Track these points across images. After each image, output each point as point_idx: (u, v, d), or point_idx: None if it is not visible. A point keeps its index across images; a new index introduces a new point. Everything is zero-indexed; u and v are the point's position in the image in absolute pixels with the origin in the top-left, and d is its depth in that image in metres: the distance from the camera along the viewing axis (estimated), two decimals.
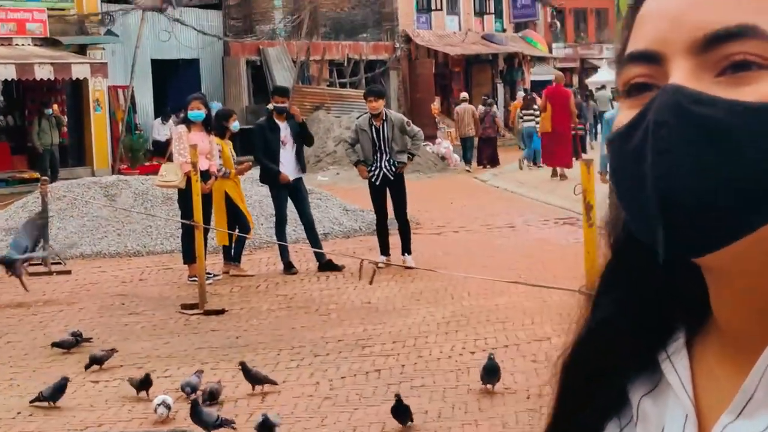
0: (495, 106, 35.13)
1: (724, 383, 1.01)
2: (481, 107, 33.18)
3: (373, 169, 14.05)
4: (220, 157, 13.69)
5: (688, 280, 1.04)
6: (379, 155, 14.02)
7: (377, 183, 14.11)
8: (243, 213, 14.02)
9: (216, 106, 22.91)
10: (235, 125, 14.39)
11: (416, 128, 14.59)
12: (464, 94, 34.79)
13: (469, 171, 30.99)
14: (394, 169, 14.02)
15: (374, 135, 14.02)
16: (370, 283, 10.32)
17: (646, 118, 0.93)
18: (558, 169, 26.34)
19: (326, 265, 14.05)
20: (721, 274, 0.97)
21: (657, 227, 0.93)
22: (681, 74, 0.93)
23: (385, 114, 14.19)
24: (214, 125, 13.86)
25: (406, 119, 14.64)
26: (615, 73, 1.05)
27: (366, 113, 14.63)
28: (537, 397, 8.16)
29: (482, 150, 32.25)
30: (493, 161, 31.88)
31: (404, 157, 14.17)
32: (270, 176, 14.18)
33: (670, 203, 0.91)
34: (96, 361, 9.24)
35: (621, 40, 1.06)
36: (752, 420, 0.96)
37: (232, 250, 14.15)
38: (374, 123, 14.09)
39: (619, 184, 0.98)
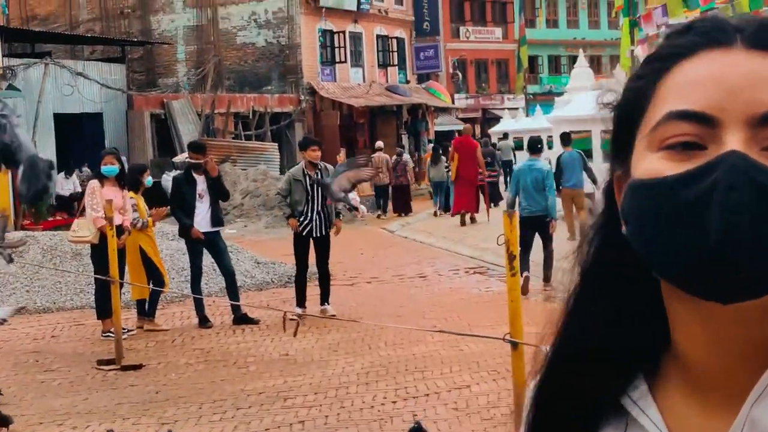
0: (406, 155, 35.75)
1: (695, 422, 1.13)
2: (395, 156, 34.03)
3: (302, 220, 14.12)
4: (135, 210, 13.66)
5: (645, 324, 1.17)
6: (310, 206, 14.07)
7: (304, 234, 14.17)
8: (157, 267, 13.95)
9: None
10: (148, 180, 14.35)
11: (348, 196, 14.62)
12: (379, 143, 35.49)
13: (379, 218, 31.72)
14: (325, 223, 14.12)
15: (308, 185, 14.08)
16: (295, 335, 10.34)
17: (711, 176, 1.04)
18: (467, 216, 26.92)
19: (241, 319, 14.05)
20: (718, 321, 1.09)
21: (706, 271, 1.04)
22: (736, 142, 1.05)
23: (319, 164, 14.28)
24: (129, 179, 13.81)
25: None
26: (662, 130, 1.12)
27: (299, 164, 14.68)
28: None
29: (396, 198, 33.01)
30: (407, 208, 32.55)
31: (337, 213, 14.37)
32: (183, 230, 14.17)
33: (729, 254, 1.02)
34: (2, 422, 9.09)
35: (632, 90, 1.17)
36: None
37: (146, 305, 14.06)
38: (309, 173, 14.14)
39: (652, 226, 1.08)
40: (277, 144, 39.57)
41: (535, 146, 16.89)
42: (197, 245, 14.06)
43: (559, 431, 1.20)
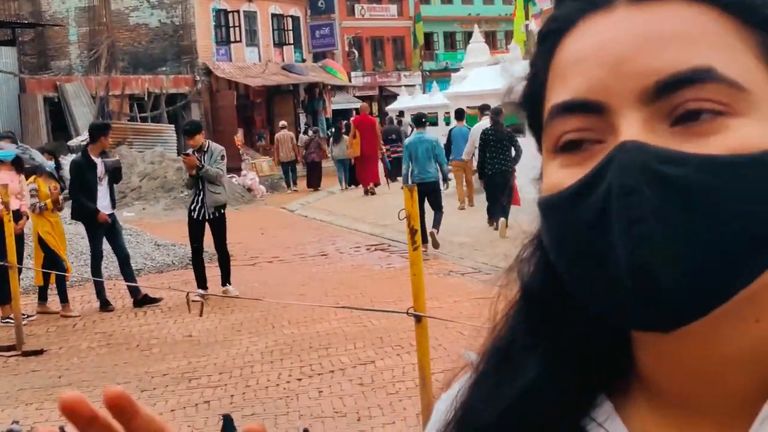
0: (319, 132, 36.96)
1: None
2: (304, 136, 35.47)
3: (193, 202, 14.06)
4: (36, 195, 13.39)
5: (606, 341, 0.96)
6: (200, 186, 13.96)
7: (197, 217, 14.07)
8: (56, 253, 13.68)
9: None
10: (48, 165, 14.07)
11: (215, 170, 13.92)
12: (283, 122, 36.93)
13: (294, 192, 33.12)
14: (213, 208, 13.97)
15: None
16: (200, 315, 10.33)
17: (604, 180, 0.82)
18: (369, 187, 28.90)
19: (142, 300, 13.95)
20: (674, 341, 0.86)
21: (630, 302, 0.82)
22: (634, 128, 0.82)
23: (207, 145, 14.18)
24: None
25: (222, 153, 14.31)
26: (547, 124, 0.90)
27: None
28: (367, 419, 8.36)
29: (310, 174, 34.18)
30: (319, 183, 33.75)
31: (219, 192, 14.11)
32: (88, 215, 13.85)
33: (648, 276, 0.80)
34: None
35: (528, 82, 0.95)
36: None
37: (44, 291, 13.88)
38: (196, 155, 14.05)
39: (564, 254, 0.87)
40: (173, 125, 39.21)
41: (420, 120, 18.62)
42: (99, 229, 13.86)
43: None
